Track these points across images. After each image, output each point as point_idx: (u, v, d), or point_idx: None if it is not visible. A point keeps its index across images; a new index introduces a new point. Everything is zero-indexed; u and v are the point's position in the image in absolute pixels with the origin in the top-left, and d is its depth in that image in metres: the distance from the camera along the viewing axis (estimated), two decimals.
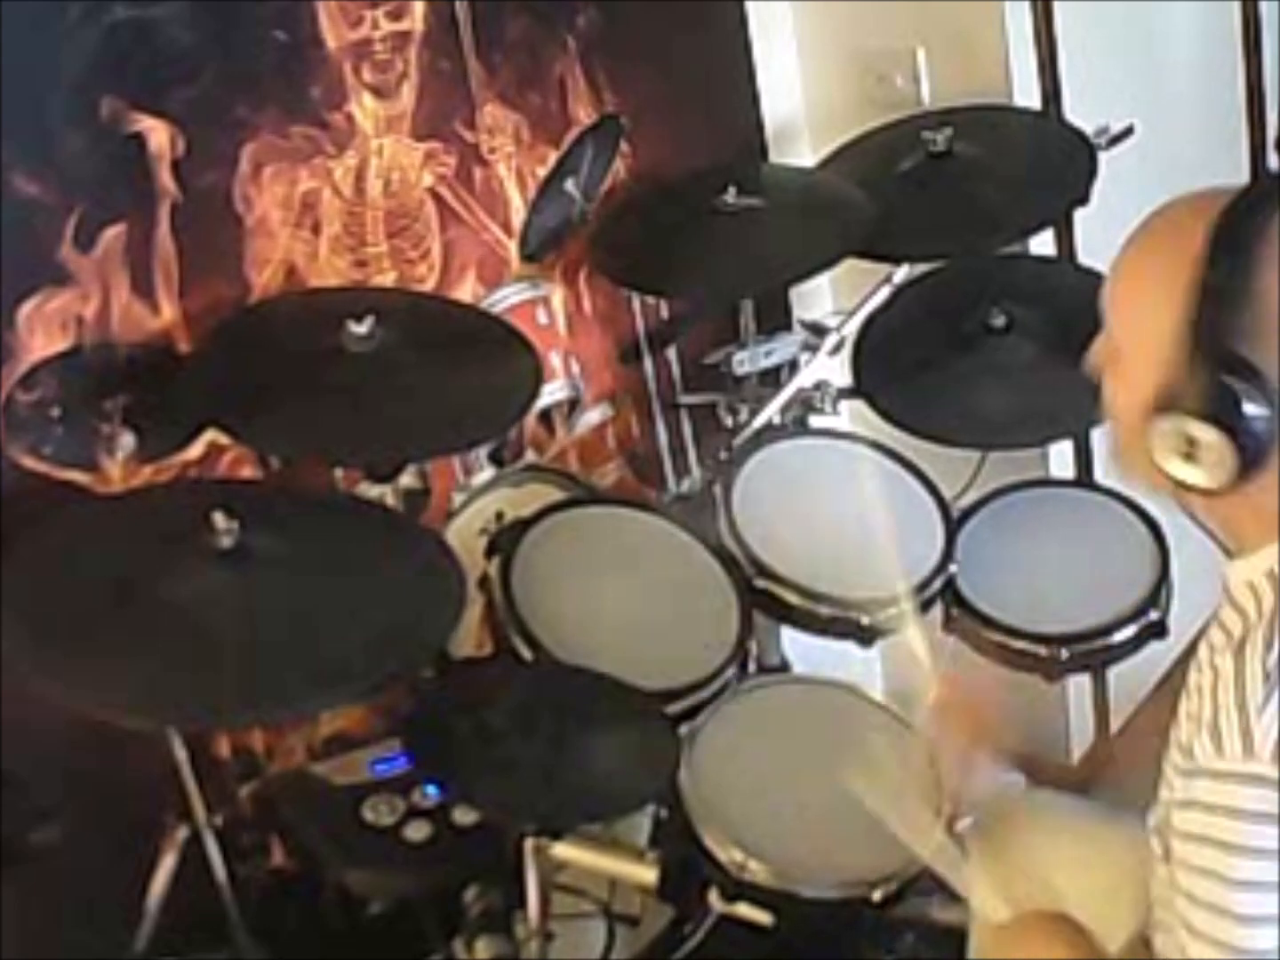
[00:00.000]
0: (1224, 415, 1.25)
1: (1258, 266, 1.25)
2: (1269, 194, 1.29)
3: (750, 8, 2.72)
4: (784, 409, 2.42)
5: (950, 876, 1.66)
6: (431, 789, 1.96)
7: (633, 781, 1.88)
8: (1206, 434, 1.26)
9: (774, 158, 2.81)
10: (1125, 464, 1.38)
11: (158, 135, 1.98)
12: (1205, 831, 1.25)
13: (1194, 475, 1.28)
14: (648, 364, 2.65)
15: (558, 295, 2.49)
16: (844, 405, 2.50)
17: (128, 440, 2.00)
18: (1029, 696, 2.53)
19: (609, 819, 2.01)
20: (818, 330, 2.53)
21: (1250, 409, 1.24)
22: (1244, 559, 1.33)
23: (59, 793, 1.97)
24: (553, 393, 2.41)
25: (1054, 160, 2.49)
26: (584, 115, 2.49)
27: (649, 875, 1.91)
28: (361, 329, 1.96)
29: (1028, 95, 2.64)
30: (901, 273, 2.47)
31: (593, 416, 2.56)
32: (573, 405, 2.50)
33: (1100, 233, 2.68)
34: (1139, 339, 1.31)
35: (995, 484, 2.47)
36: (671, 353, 2.67)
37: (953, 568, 2.26)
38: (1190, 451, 1.28)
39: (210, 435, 2.06)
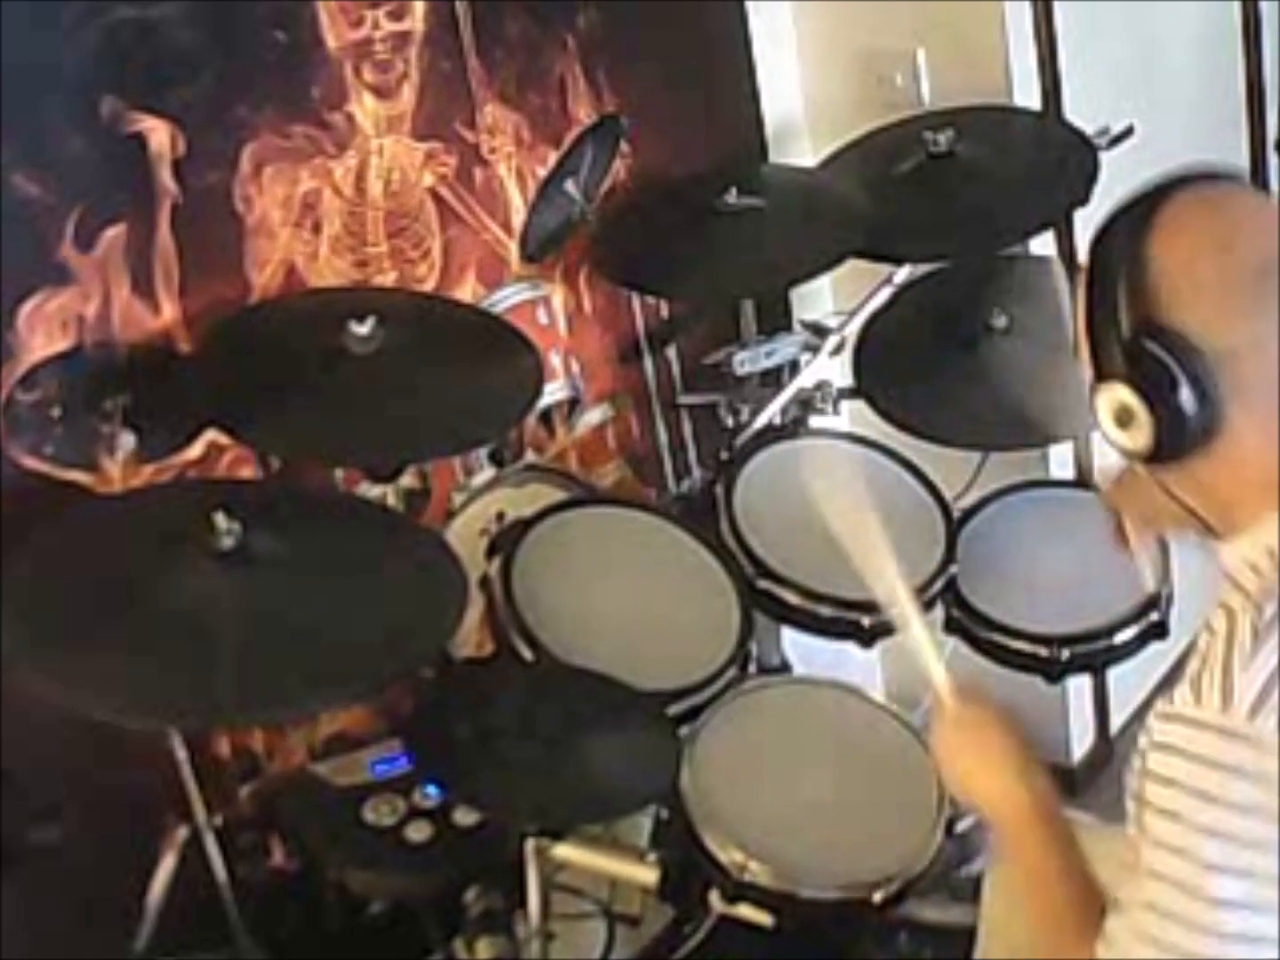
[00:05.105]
0: (1146, 377, 1.26)
1: (1151, 237, 1.27)
2: (1149, 191, 1.32)
3: (750, 8, 2.72)
4: (784, 409, 2.43)
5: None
6: (432, 789, 1.96)
7: (633, 782, 1.88)
8: (1130, 397, 1.28)
9: (774, 158, 2.80)
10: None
11: (158, 135, 1.98)
12: (1174, 775, 1.25)
13: (1135, 440, 1.29)
14: (648, 364, 2.65)
15: (558, 295, 2.49)
16: (844, 406, 2.50)
17: (128, 440, 1.99)
18: (1029, 696, 2.53)
19: (610, 819, 2.01)
20: (818, 331, 2.53)
21: (1174, 368, 1.25)
22: (1240, 537, 1.33)
23: (59, 793, 1.97)
24: (553, 393, 2.41)
25: (1054, 160, 2.49)
26: (584, 115, 2.48)
27: (649, 876, 1.91)
28: (362, 329, 1.95)
29: (1028, 95, 2.64)
30: (902, 273, 2.47)
31: (593, 416, 2.56)
32: (573, 405, 2.50)
33: None
34: (1080, 335, 1.34)
35: (995, 484, 2.47)
36: (671, 353, 2.67)
37: (953, 568, 2.26)
38: (1125, 419, 1.29)
39: (210, 435, 2.06)
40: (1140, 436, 1.28)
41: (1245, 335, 1.25)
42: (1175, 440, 1.27)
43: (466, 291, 2.36)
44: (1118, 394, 1.29)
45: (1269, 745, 1.21)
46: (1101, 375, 1.30)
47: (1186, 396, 1.25)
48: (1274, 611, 1.25)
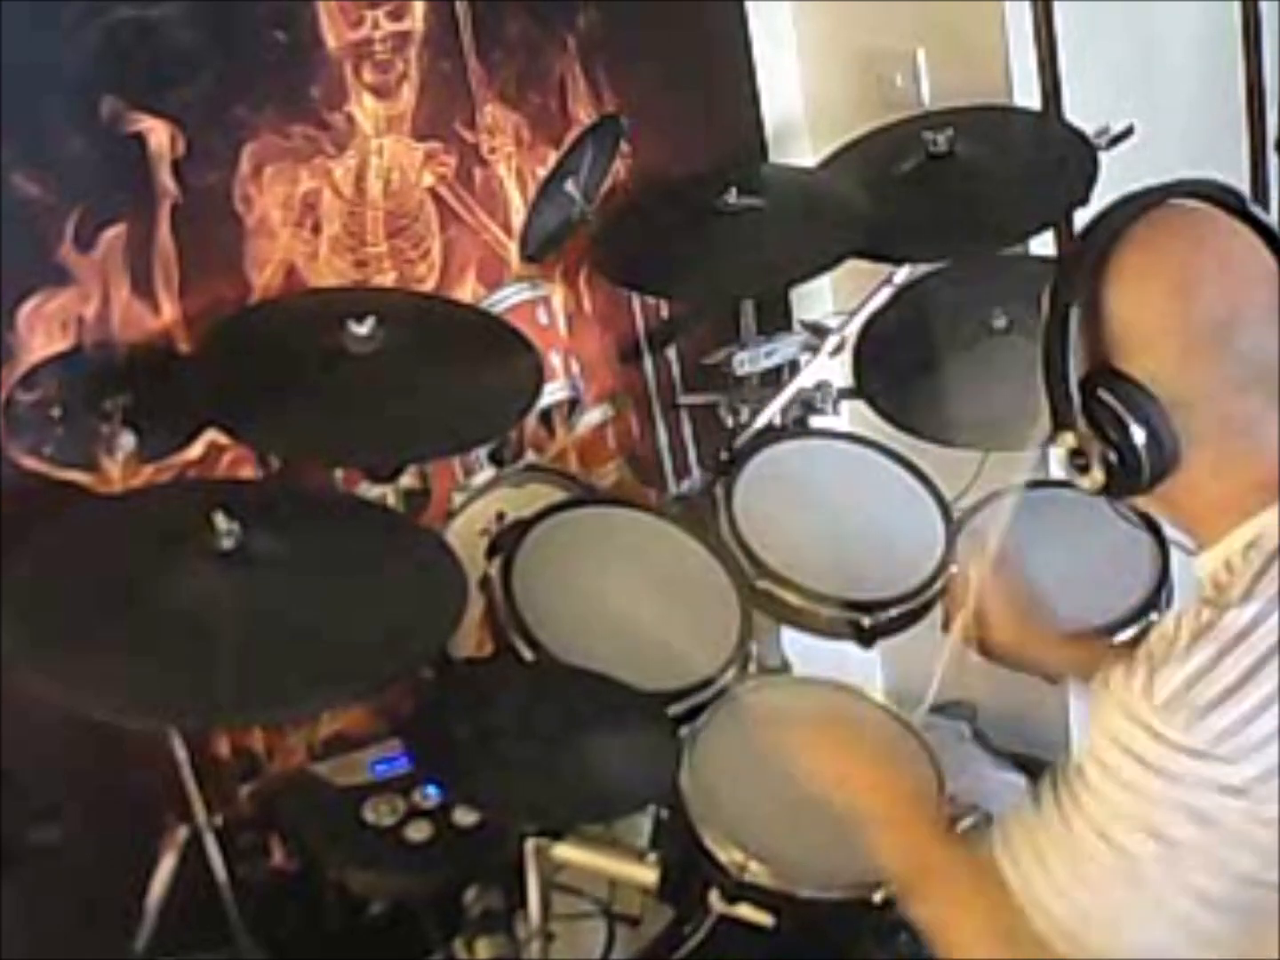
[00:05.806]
0: (1100, 424, 1.30)
1: (1105, 285, 1.29)
2: (1115, 218, 1.33)
3: (750, 8, 2.73)
4: (785, 409, 2.42)
5: None
6: (432, 789, 1.96)
7: (633, 782, 1.88)
8: (1088, 444, 1.32)
9: (774, 158, 2.81)
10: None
11: (158, 135, 1.98)
12: (1097, 754, 1.28)
13: (1090, 481, 1.34)
14: (648, 364, 2.65)
15: (558, 295, 2.49)
16: (844, 406, 2.50)
17: (128, 440, 2.00)
18: (1029, 697, 2.53)
19: (609, 819, 2.00)
20: (818, 331, 2.53)
21: (1127, 415, 1.28)
22: (1208, 551, 1.34)
23: (59, 793, 1.98)
24: (553, 393, 2.41)
25: (1054, 160, 2.49)
26: (584, 115, 2.49)
27: (649, 876, 1.91)
28: (362, 329, 1.96)
29: (1028, 95, 2.64)
30: (902, 273, 2.47)
31: (593, 416, 2.55)
32: (573, 405, 2.50)
33: None
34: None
35: (995, 485, 2.46)
36: (671, 353, 2.67)
37: (953, 568, 2.26)
38: (1083, 463, 1.34)
39: (210, 435, 2.06)
40: (1094, 478, 1.33)
41: (1201, 385, 1.28)
42: (1128, 482, 1.32)
43: (466, 291, 2.36)
44: (1071, 440, 1.33)
45: (1171, 741, 1.23)
46: (1057, 420, 1.33)
47: (1139, 442, 1.29)
48: (1209, 618, 1.27)
